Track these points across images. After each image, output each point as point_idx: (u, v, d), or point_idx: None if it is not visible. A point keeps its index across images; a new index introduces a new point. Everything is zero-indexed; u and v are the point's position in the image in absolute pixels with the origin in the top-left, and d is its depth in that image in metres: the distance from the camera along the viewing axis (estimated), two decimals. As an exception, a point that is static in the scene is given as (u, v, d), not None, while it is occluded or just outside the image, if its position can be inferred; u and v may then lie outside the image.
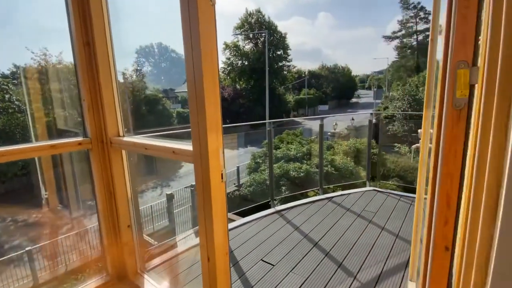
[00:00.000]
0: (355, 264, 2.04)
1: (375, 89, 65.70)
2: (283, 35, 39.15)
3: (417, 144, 1.70)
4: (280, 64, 40.27)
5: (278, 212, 2.98)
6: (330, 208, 3.09)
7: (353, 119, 27.11)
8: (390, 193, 3.41)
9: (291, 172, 9.71)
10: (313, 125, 41.05)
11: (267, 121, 3.27)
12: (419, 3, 43.99)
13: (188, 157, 1.15)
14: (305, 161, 10.86)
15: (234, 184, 15.80)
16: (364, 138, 18.40)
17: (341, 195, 3.47)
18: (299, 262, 2.11)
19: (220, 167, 1.07)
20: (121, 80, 23.51)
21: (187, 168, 22.26)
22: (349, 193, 3.48)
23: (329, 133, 22.10)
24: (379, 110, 32.91)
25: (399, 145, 27.41)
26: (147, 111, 25.05)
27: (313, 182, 9.44)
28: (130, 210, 1.86)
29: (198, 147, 1.06)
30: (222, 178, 1.09)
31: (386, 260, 2.06)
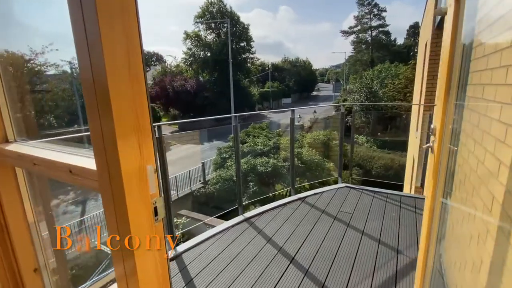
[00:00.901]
0: (340, 282, 1.75)
1: (333, 83, 68.73)
2: (246, 26, 38.42)
3: (429, 144, 1.40)
4: (244, 56, 39.61)
5: (247, 220, 2.59)
6: (304, 210, 2.79)
7: (315, 111, 27.83)
8: (363, 189, 3.23)
9: (259, 167, 9.41)
10: (279, 118, 41.46)
11: (232, 115, 2.82)
12: (373, 0, 46.50)
13: (92, 181, 0.66)
14: (272, 155, 10.64)
15: (200, 181, 15.09)
16: (326, 130, 18.93)
17: (314, 194, 3.20)
18: (276, 286, 1.75)
19: (148, 198, 0.60)
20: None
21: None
22: (322, 192, 3.23)
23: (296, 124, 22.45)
24: (338, 103, 34.29)
25: (357, 135, 28.98)
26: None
27: (281, 176, 9.28)
28: (37, 246, 1.30)
29: (103, 165, 0.58)
30: (155, 217, 0.62)
31: (373, 274, 1.81)
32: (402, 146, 19.04)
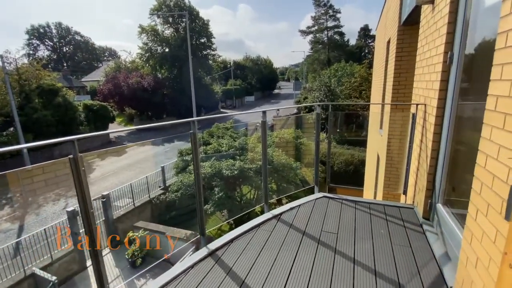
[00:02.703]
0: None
1: (293, 81, 70.56)
2: (206, 22, 37.04)
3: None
4: (205, 52, 38.24)
5: (212, 254, 2.04)
6: (281, 232, 2.34)
7: (278, 110, 27.95)
8: (342, 199, 2.89)
9: (224, 171, 8.80)
10: (242, 116, 40.97)
11: (191, 119, 2.23)
12: (328, 1, 48.40)
13: None
14: (238, 157, 10.11)
15: (160, 186, 13.93)
16: (290, 129, 18.98)
17: (290, 209, 2.78)
18: None
19: None
20: None
21: (101, 170, 18.80)
22: (299, 205, 2.82)
23: (257, 124, 22.12)
24: (299, 101, 35.06)
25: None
26: (41, 105, 19.70)
27: (249, 179, 8.81)
28: None
29: None
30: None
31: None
32: (360, 143, 20.03)
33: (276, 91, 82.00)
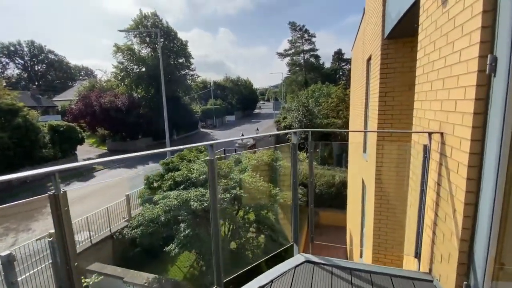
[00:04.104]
0: None
1: (273, 101, 71.64)
2: (184, 42, 36.87)
3: None
4: (183, 72, 37.72)
5: None
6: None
7: (257, 129, 27.43)
8: (333, 265, 2.06)
9: (192, 202, 7.73)
10: (222, 135, 40.05)
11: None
12: (303, 26, 50.54)
13: None
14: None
15: (124, 218, 12.39)
16: (269, 151, 18.33)
17: (266, 285, 1.89)
18: None
19: None
20: None
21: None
22: (273, 279, 1.95)
23: (236, 144, 21.24)
24: (278, 121, 34.98)
25: (298, 152, 29.63)
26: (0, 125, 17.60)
27: (221, 210, 7.78)
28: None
29: None
30: None
31: None
32: (339, 162, 19.70)
33: (256, 110, 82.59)
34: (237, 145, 20.76)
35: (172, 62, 35.06)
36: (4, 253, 5.85)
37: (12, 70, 53.62)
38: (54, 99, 45.38)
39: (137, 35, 33.53)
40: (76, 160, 24.20)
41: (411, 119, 4.09)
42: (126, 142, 30.93)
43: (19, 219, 14.07)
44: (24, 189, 18.08)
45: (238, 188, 9.10)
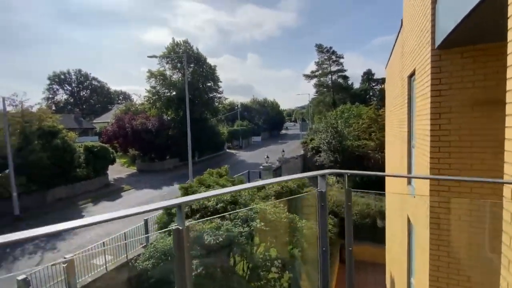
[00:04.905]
0: None
1: (300, 122, 70.86)
2: (213, 67, 38.35)
3: None
4: (211, 95, 38.90)
5: None
6: None
7: (283, 150, 26.60)
8: None
9: (206, 236, 7.04)
10: (247, 156, 39.68)
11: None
12: (331, 47, 50.35)
13: None
14: (227, 215, 8.38)
15: (142, 244, 11.99)
16: (296, 172, 17.19)
17: None
18: None
19: None
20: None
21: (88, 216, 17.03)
22: None
23: (261, 167, 20.54)
24: (305, 142, 33.89)
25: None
26: (41, 145, 18.98)
27: (239, 246, 6.97)
28: None
29: None
30: None
31: None
32: (375, 187, 17.92)
33: (283, 131, 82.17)
34: (261, 167, 20.06)
35: (200, 86, 36.36)
36: (20, 277, 5.29)
37: (61, 96, 59.62)
38: (94, 121, 49.07)
39: (169, 62, 35.54)
40: (107, 180, 25.03)
41: (479, 147, 3.14)
42: (154, 162, 31.78)
43: (48, 236, 14.43)
44: (58, 208, 18.80)
45: (258, 220, 8.28)
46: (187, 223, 1.57)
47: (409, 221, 5.47)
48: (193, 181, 13.10)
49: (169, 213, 10.29)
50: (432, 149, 3.52)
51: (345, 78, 51.86)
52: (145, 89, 35.80)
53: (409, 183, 5.41)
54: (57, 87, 58.57)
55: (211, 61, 38.82)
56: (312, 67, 63.85)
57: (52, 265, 9.15)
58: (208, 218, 7.43)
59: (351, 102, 36.84)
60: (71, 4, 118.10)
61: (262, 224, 8.08)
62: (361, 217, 13.93)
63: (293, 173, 17.38)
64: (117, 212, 1.23)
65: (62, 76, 58.41)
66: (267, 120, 67.65)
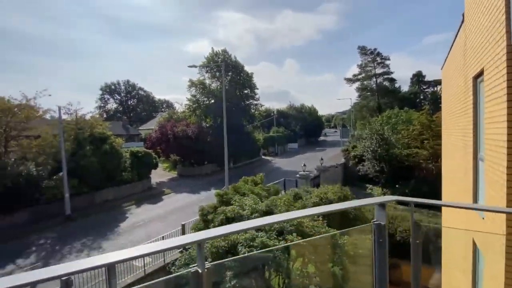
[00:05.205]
0: None
1: (340, 128, 67.88)
2: (250, 74, 38.89)
3: None
4: (248, 102, 39.40)
5: None
6: None
7: (322, 159, 25.44)
8: None
9: (240, 248, 6.74)
10: (283, 163, 39.00)
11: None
12: (375, 49, 47.52)
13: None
14: (263, 227, 7.99)
15: (179, 248, 12.23)
16: (336, 183, 16.16)
17: None
18: None
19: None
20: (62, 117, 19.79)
21: (133, 219, 18.16)
22: None
23: (297, 175, 19.84)
24: (347, 149, 32.05)
25: (371, 186, 25.83)
26: (92, 151, 20.98)
27: (274, 262, 6.54)
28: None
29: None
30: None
31: None
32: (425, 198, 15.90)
33: (321, 138, 79.61)
34: (298, 176, 19.37)
35: (237, 93, 37.04)
36: (64, 277, 5.32)
37: (112, 105, 65.94)
38: (140, 128, 53.03)
39: (209, 71, 36.92)
40: (150, 183, 26.52)
41: None
42: (193, 167, 32.92)
43: (94, 235, 15.59)
44: (105, 209, 20.35)
45: (295, 234, 7.73)
46: (208, 264, 1.29)
47: (474, 245, 4.52)
48: (228, 188, 13.03)
49: (205, 220, 10.27)
50: (510, 163, 2.77)
51: (392, 80, 48.51)
52: (186, 98, 37.62)
53: (475, 200, 4.46)
54: (108, 96, 65.03)
55: (248, 68, 39.48)
56: (354, 70, 61.05)
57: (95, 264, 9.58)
58: (236, 257, 7.01)
59: (399, 106, 34.06)
60: (122, 22, 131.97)
61: (299, 238, 7.58)
62: (408, 234, 12.43)
63: (332, 183, 16.34)
64: (135, 250, 1.17)
65: (113, 87, 64.73)
66: (304, 127, 66.23)
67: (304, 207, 11.36)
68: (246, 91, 38.68)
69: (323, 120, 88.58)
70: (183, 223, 12.12)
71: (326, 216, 11.43)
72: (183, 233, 12.04)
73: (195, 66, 21.07)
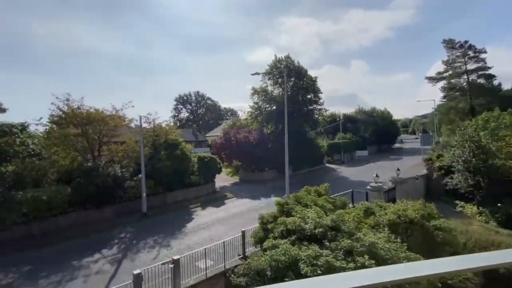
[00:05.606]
0: None
1: (420, 134, 59.46)
2: (313, 79, 37.43)
3: None
4: (311, 107, 37.92)
5: None
6: None
7: (398, 169, 22.14)
8: None
9: (301, 265, 5.86)
10: (350, 173, 35.86)
11: None
12: (466, 41, 40.08)
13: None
14: (327, 243, 6.93)
15: (239, 255, 11.90)
16: (417, 198, 13.51)
17: None
18: None
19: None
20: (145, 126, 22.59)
21: (198, 221, 19.02)
22: None
23: (368, 187, 17.56)
24: (430, 159, 27.32)
25: (462, 203, 21.15)
26: (166, 155, 23.25)
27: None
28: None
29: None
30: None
31: None
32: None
33: (397, 145, 71.30)
34: (369, 187, 17.13)
35: (300, 99, 36.01)
36: (136, 272, 5.25)
37: (184, 114, 73.39)
38: (207, 135, 57.00)
39: (271, 77, 37.04)
40: (214, 187, 27.69)
41: None
42: (254, 173, 33.16)
43: (165, 233, 16.73)
44: (174, 209, 21.92)
45: (367, 257, 6.43)
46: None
47: None
48: (289, 197, 12.21)
49: (265, 229, 9.70)
50: None
51: (489, 77, 40.15)
52: (249, 105, 38.52)
53: None
54: (181, 106, 72.63)
55: (312, 73, 38.12)
56: (439, 67, 52.86)
57: (162, 264, 9.98)
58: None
59: (500, 107, 27.51)
60: (192, 38, 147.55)
61: (373, 262, 6.26)
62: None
63: (412, 197, 13.75)
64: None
65: (185, 97, 72.06)
66: (375, 132, 60.34)
67: (377, 224, 9.64)
68: (309, 96, 37.36)
69: (398, 125, 79.28)
70: (243, 229, 11.79)
71: (404, 233, 9.46)
72: (243, 240, 11.69)
73: (258, 74, 21.12)
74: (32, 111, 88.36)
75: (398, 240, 7.77)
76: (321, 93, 38.02)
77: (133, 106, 22.79)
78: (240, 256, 11.76)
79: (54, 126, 19.68)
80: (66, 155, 19.62)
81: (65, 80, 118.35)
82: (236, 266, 10.38)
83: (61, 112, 19.69)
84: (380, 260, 6.61)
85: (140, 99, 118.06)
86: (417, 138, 76.32)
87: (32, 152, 16.61)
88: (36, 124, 19.25)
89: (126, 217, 19.26)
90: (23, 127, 17.05)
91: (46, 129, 19.68)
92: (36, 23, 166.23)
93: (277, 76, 36.68)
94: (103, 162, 20.44)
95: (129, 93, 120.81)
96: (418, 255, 7.49)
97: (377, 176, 17.46)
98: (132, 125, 24.29)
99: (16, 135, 16.04)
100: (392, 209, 10.50)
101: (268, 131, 36.86)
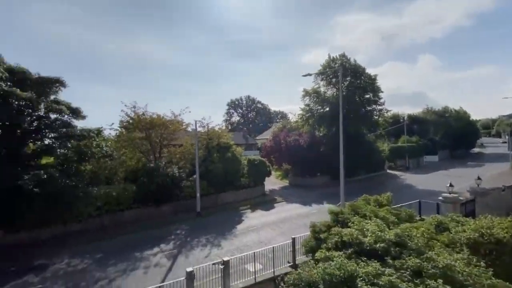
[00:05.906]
0: None
1: (507, 137, 49.77)
2: (373, 77, 34.44)
3: None
4: (369, 108, 34.90)
5: None
6: None
7: (479, 178, 18.51)
8: None
9: (359, 283, 5.08)
10: (416, 181, 31.85)
11: None
12: None
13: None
14: (390, 260, 5.95)
15: (289, 262, 11.28)
16: (504, 213, 10.83)
17: None
18: None
19: None
20: (199, 129, 23.98)
21: (248, 223, 19.08)
22: None
23: (440, 198, 15.03)
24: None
25: None
26: (218, 157, 24.19)
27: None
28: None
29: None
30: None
31: None
32: None
33: (476, 149, 61.19)
34: (441, 198, 14.65)
35: (357, 99, 33.52)
36: (189, 269, 5.23)
37: (235, 118, 76.05)
38: (257, 138, 57.64)
39: (324, 78, 35.36)
40: (264, 190, 27.56)
41: None
42: (305, 178, 31.99)
43: (216, 233, 17.14)
44: (225, 209, 22.44)
45: (441, 281, 5.33)
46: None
47: None
48: (344, 205, 11.16)
49: (317, 238, 8.99)
50: None
51: None
52: (300, 108, 37.44)
53: None
54: (233, 110, 75.57)
55: (371, 71, 35.20)
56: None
57: (212, 264, 10.09)
58: None
59: None
60: (245, 44, 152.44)
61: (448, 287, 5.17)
62: None
63: (497, 213, 11.15)
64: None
65: (236, 102, 74.73)
66: (448, 135, 52.72)
67: (452, 243, 7.99)
68: (367, 96, 34.50)
69: (478, 126, 67.94)
70: (293, 236, 11.18)
71: (488, 256, 7.63)
72: (293, 247, 11.08)
73: (310, 74, 20.29)
74: (105, 117, 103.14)
75: (482, 264, 6.30)
76: (382, 92, 34.77)
77: (189, 112, 24.47)
78: (289, 264, 11.17)
79: (123, 130, 22.24)
80: (133, 156, 21.92)
81: (132, 88, 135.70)
82: (285, 274, 9.84)
83: (128, 118, 22.18)
84: (458, 286, 5.39)
85: (196, 105, 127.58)
86: (504, 142, 64.26)
87: (105, 153, 18.97)
88: (109, 129, 22.10)
89: (181, 215, 20.45)
90: (99, 132, 19.66)
91: (116, 133, 22.41)
92: (112, 43, 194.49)
93: (331, 76, 34.85)
94: (163, 163, 22.16)
95: (187, 99, 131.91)
96: (508, 283, 5.93)
97: (451, 185, 14.86)
98: (189, 129, 25.92)
99: (93, 139, 18.55)
100: (472, 226, 8.66)
101: (320, 134, 35.22)
